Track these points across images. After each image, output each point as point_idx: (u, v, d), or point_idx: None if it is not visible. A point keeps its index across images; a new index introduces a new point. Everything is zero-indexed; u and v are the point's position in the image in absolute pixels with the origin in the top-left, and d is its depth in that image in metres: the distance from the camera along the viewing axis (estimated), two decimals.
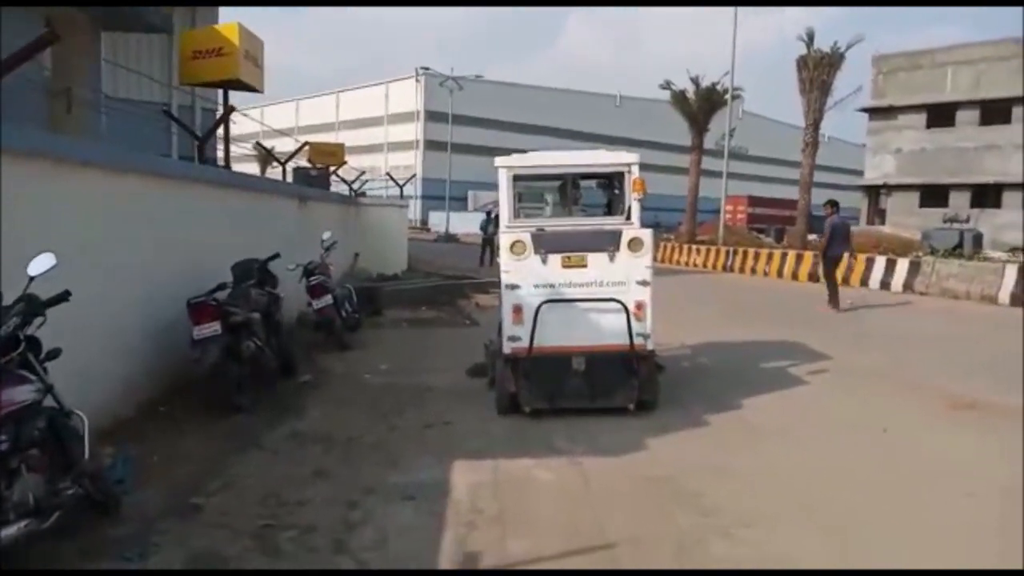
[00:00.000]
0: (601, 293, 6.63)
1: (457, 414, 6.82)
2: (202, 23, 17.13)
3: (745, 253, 25.19)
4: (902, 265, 18.76)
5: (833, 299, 14.26)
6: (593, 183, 8.15)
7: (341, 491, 4.98)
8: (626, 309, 6.50)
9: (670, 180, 75.52)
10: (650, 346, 6.75)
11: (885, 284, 18.79)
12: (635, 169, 7.08)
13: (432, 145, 68.81)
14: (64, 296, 4.15)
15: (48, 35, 5.00)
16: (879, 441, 6.27)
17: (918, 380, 8.53)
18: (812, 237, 26.57)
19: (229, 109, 8.75)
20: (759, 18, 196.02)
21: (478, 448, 5.85)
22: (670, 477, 5.29)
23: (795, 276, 21.90)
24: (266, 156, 47.05)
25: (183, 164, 7.55)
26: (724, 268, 25.71)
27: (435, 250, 32.81)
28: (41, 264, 4.17)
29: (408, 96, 72.96)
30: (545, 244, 6.71)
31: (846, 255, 15.29)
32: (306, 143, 13.34)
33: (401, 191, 22.42)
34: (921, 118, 44.25)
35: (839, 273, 14.91)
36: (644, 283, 6.68)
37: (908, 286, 18.20)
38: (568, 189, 7.75)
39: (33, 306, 4.03)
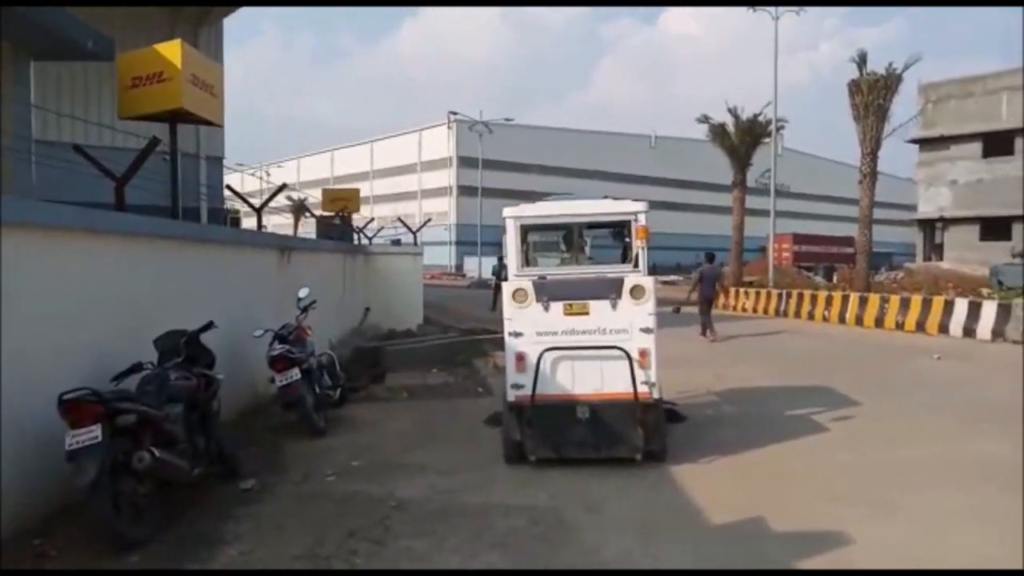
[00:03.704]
0: (604, 341, 6.54)
1: (426, 555, 4.75)
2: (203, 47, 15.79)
3: (800, 296, 22.73)
4: (989, 309, 16.20)
5: (709, 330, 16.76)
6: (607, 232, 7.97)
7: None
8: (629, 357, 6.41)
9: (707, 220, 73.58)
10: (655, 394, 6.56)
11: (969, 331, 16.25)
12: (641, 217, 6.95)
13: (466, 191, 67.74)
14: None
15: None
16: None
17: None
18: (881, 276, 24.23)
19: (152, 142, 6.97)
20: (791, 56, 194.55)
21: None
22: None
23: (859, 321, 19.45)
24: (299, 208, 46.18)
25: (81, 213, 5.71)
26: (777, 313, 23.31)
27: (464, 297, 31.01)
28: None
29: (441, 143, 72.25)
30: (547, 292, 6.66)
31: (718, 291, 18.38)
32: (284, 185, 11.59)
33: (415, 237, 20.62)
34: (976, 147, 41.82)
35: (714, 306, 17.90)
36: (647, 330, 6.55)
37: (998, 333, 15.64)
38: (575, 238, 7.73)
39: None
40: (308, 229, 36.93)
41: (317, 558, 4.79)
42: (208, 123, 8.97)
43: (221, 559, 4.86)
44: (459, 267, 63.76)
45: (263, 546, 5.04)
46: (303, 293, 9.15)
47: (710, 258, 17.97)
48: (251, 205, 11.52)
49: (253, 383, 9.03)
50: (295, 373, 7.91)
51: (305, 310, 9.12)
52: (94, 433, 4.86)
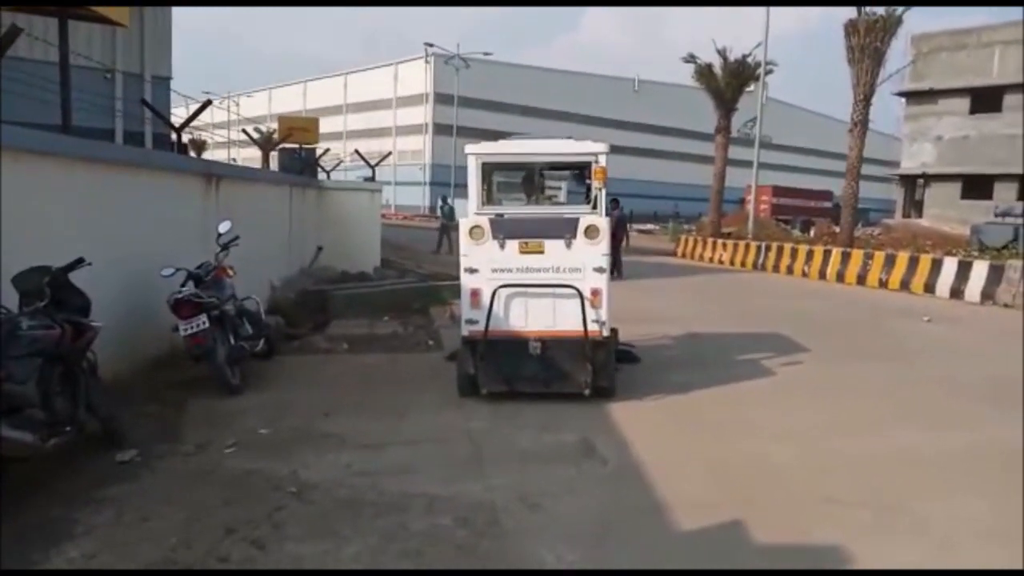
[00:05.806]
0: (557, 279, 6.68)
1: (314, 566, 3.72)
2: None
3: (780, 249, 21.80)
4: (979, 269, 15.33)
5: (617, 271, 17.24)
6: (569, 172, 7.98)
7: None
8: (580, 295, 6.57)
9: (688, 168, 72.26)
10: (606, 332, 6.75)
11: (956, 292, 15.43)
12: (602, 159, 6.95)
13: (442, 129, 65.56)
14: None
15: None
16: None
17: None
18: (858, 232, 23.37)
19: (13, 31, 5.68)
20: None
21: None
22: None
23: (840, 278, 18.59)
24: (267, 141, 44.46)
25: None
26: (755, 266, 22.40)
27: (433, 239, 29.71)
28: None
29: (418, 78, 69.57)
30: (503, 230, 6.75)
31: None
32: (208, 102, 10.18)
33: (373, 172, 19.25)
34: (964, 103, 40.65)
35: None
36: (600, 270, 6.70)
37: (988, 295, 14.82)
38: (535, 177, 7.75)
39: None
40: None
41: (176, 565, 3.75)
42: (108, 21, 7.62)
43: (56, 562, 3.81)
44: (433, 208, 62.15)
45: (114, 545, 3.98)
46: (223, 227, 7.95)
47: (615, 203, 18.66)
48: (171, 125, 10.13)
49: (165, 331, 7.88)
50: (202, 321, 6.77)
51: (226, 247, 7.93)
52: None
